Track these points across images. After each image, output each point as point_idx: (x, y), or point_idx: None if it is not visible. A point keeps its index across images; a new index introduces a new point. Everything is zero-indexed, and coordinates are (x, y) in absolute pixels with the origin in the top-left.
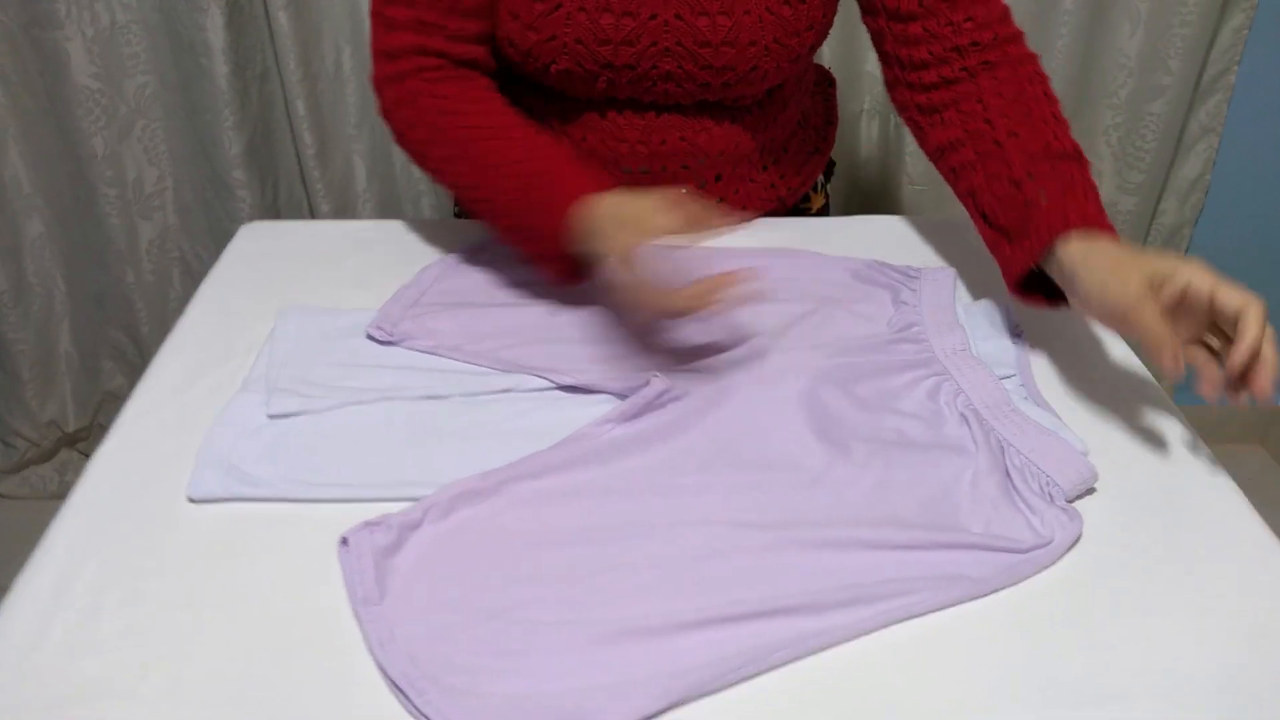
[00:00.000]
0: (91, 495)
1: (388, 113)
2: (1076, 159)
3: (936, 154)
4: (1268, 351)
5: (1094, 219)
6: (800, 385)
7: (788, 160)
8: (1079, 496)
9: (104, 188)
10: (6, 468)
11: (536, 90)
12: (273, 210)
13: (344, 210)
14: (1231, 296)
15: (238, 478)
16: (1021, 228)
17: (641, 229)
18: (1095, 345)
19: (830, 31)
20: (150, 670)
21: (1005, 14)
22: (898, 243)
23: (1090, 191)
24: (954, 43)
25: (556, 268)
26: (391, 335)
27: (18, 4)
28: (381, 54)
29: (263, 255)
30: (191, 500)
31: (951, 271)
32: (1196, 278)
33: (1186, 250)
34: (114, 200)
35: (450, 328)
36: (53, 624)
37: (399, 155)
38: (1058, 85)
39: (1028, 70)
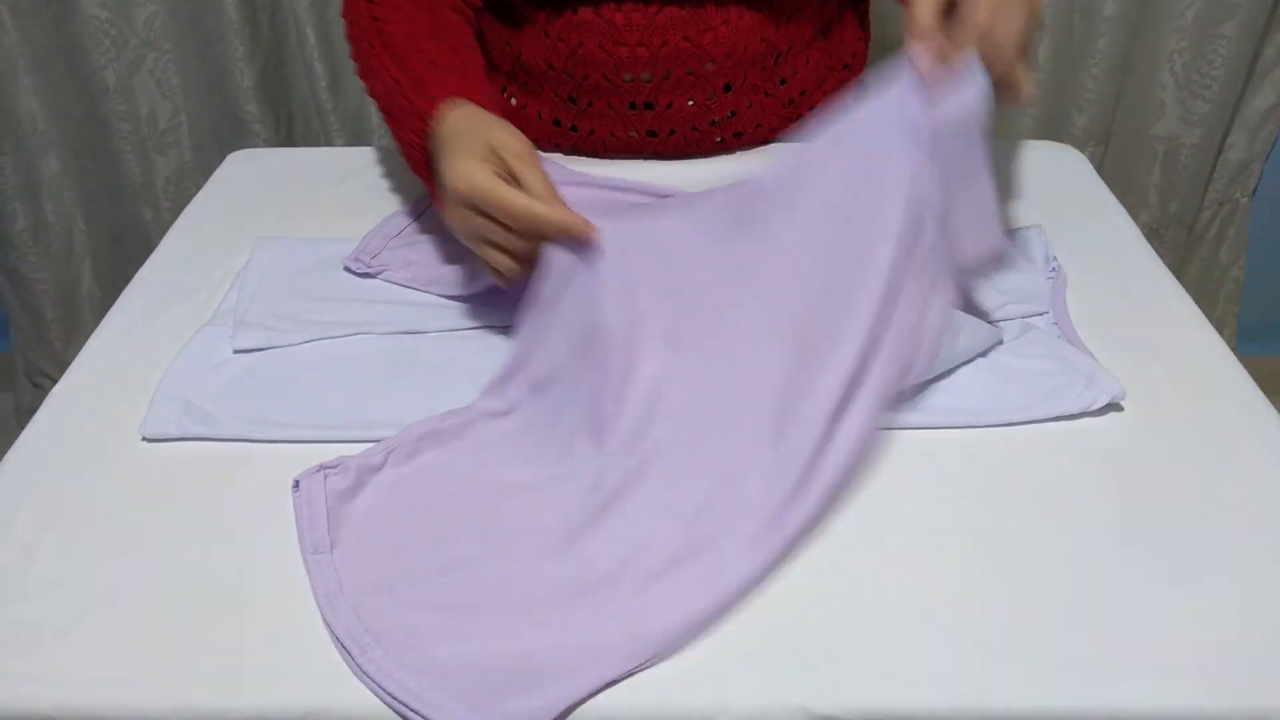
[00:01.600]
0: (44, 432)
1: (345, 16)
2: None
3: None
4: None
5: None
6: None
7: (808, 73)
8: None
9: (118, 123)
10: (34, 407)
11: None
12: (288, 144)
13: (358, 143)
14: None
15: (195, 416)
16: None
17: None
18: (1144, 285)
19: None
20: (85, 615)
21: None
22: None
23: None
24: None
25: (429, 187)
26: (369, 267)
27: None
28: None
29: (248, 183)
30: (145, 439)
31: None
32: None
33: (1255, 190)
34: (129, 135)
35: (429, 260)
36: None
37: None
38: (1118, 5)
39: None
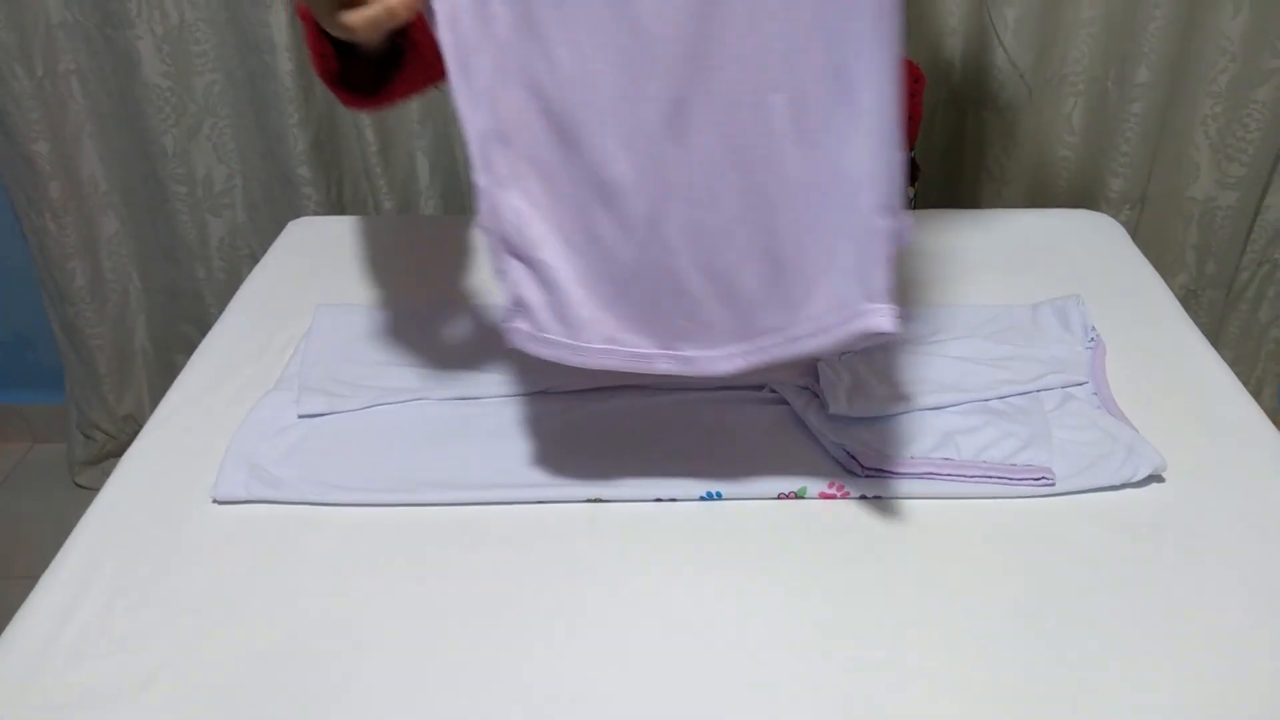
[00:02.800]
0: (118, 495)
1: None
2: None
3: None
4: None
5: None
6: None
7: None
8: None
9: (174, 185)
10: (87, 459)
11: None
12: (337, 207)
13: (407, 207)
14: None
15: (262, 479)
16: None
17: None
18: (1183, 355)
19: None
20: (156, 676)
21: None
22: (983, 238)
23: None
24: None
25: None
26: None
27: (91, 4)
28: None
29: (309, 250)
30: (215, 501)
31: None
32: None
33: None
34: (184, 198)
35: None
36: (67, 625)
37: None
38: (1152, 71)
39: None
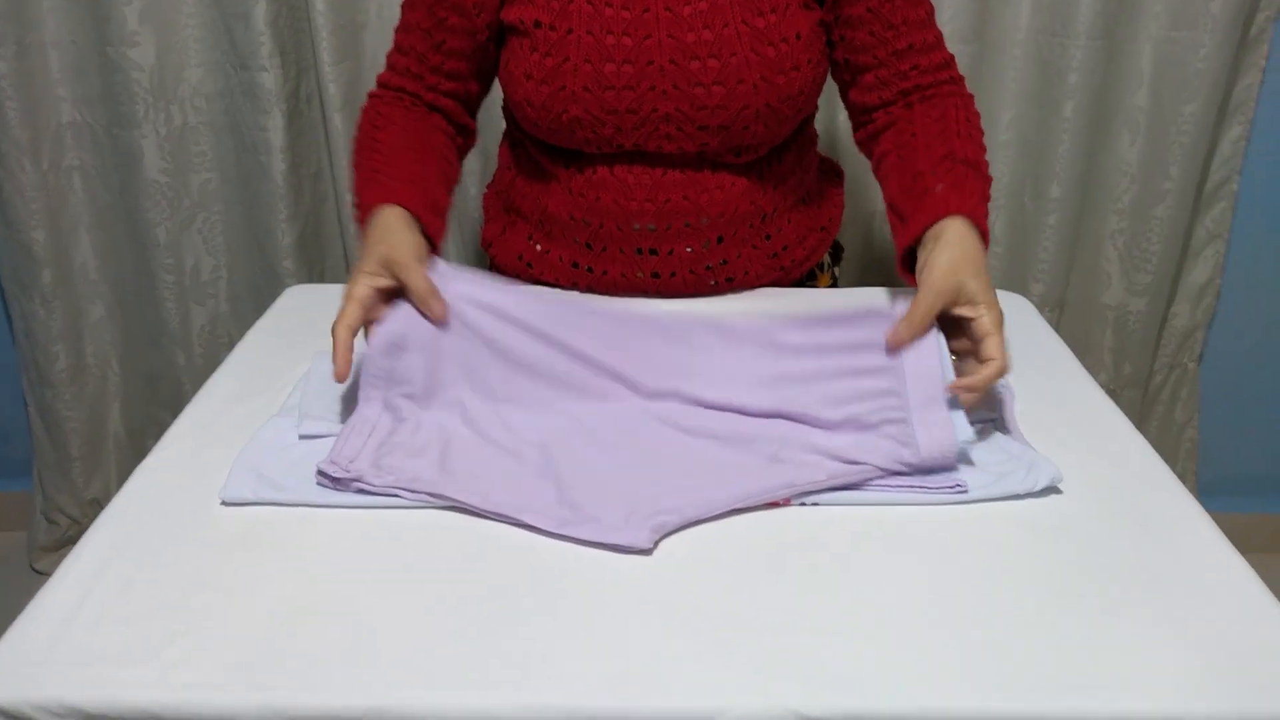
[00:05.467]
0: (133, 498)
1: (362, 113)
2: (974, 166)
3: (871, 156)
4: (976, 386)
5: (970, 210)
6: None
7: (789, 231)
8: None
9: (163, 274)
10: (48, 544)
11: (557, 155)
12: None
13: None
14: (990, 348)
15: (268, 484)
16: (914, 211)
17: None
18: (1083, 402)
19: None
20: (176, 638)
21: (948, 62)
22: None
23: (975, 191)
24: (899, 87)
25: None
26: (347, 472)
27: (101, 105)
28: (378, 81)
29: (303, 312)
30: (224, 503)
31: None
32: (986, 320)
33: (1201, 355)
34: (171, 286)
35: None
36: (89, 600)
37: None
38: (1063, 189)
39: (955, 99)
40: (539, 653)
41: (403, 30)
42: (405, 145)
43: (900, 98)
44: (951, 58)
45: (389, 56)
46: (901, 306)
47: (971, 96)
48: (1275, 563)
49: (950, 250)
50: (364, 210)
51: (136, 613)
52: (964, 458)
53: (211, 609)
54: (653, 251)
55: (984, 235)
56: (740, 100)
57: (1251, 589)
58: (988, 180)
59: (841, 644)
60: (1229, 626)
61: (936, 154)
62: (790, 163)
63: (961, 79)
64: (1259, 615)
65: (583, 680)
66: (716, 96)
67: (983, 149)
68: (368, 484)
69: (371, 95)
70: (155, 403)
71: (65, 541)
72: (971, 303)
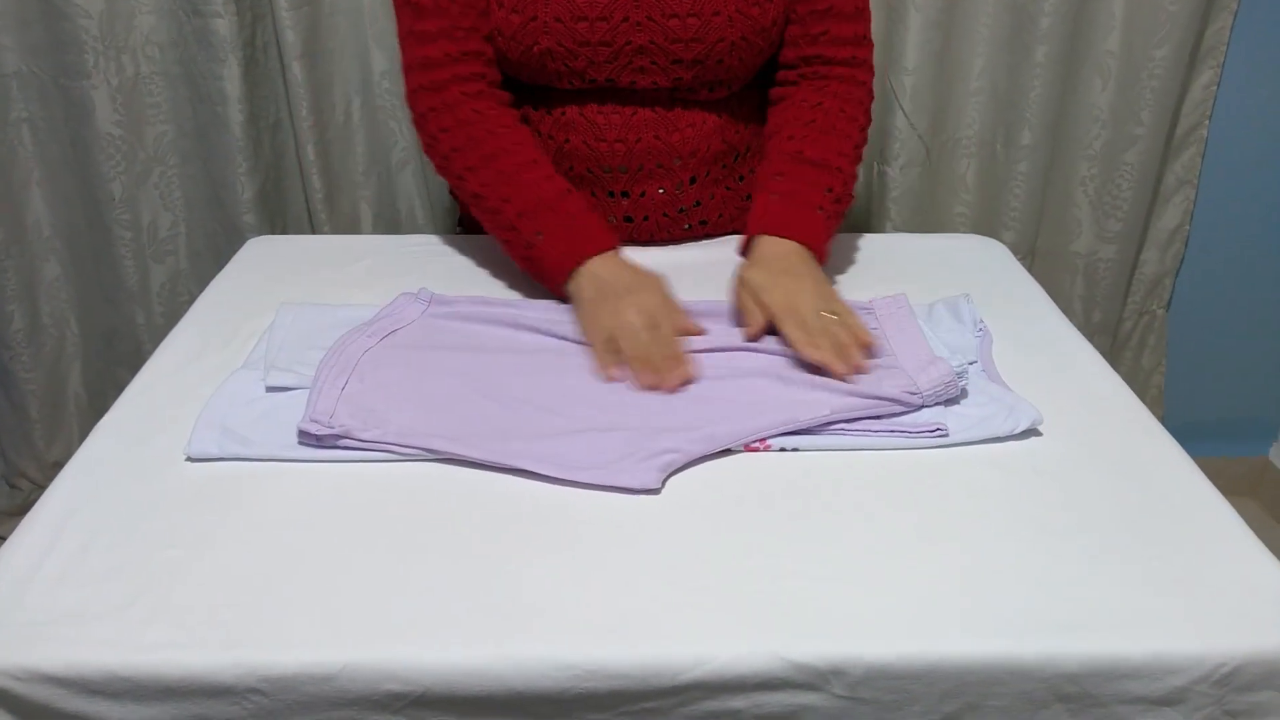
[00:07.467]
0: (93, 456)
1: (422, 119)
2: (820, 166)
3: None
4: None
5: (782, 227)
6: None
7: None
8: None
9: (120, 230)
10: (10, 509)
11: (525, 96)
12: None
13: None
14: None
15: (233, 439)
16: (750, 217)
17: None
18: (1058, 343)
19: None
20: (139, 596)
21: (859, 39)
22: (866, 259)
23: (807, 201)
24: (804, 52)
25: (547, 287)
26: (330, 428)
27: (49, 55)
28: (416, 66)
29: (267, 262)
30: (189, 459)
31: (902, 298)
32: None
33: (1169, 301)
34: (129, 243)
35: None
36: (47, 560)
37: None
38: (1034, 135)
39: (844, 87)
40: (521, 604)
41: (413, 19)
42: (544, 175)
43: (801, 64)
44: (867, 40)
45: (411, 61)
46: (880, 303)
47: (865, 87)
48: (1240, 505)
49: (759, 270)
50: (574, 261)
51: (97, 572)
52: (964, 392)
53: (177, 566)
54: (624, 194)
55: (813, 240)
56: (715, 33)
57: (1233, 529)
58: (838, 176)
59: (824, 588)
60: (1211, 566)
61: (788, 151)
62: (761, 100)
63: (866, 66)
64: (1240, 554)
65: (565, 631)
66: (691, 28)
67: (846, 144)
68: (355, 439)
69: (421, 88)
70: (116, 363)
71: (28, 506)
72: (763, 304)
